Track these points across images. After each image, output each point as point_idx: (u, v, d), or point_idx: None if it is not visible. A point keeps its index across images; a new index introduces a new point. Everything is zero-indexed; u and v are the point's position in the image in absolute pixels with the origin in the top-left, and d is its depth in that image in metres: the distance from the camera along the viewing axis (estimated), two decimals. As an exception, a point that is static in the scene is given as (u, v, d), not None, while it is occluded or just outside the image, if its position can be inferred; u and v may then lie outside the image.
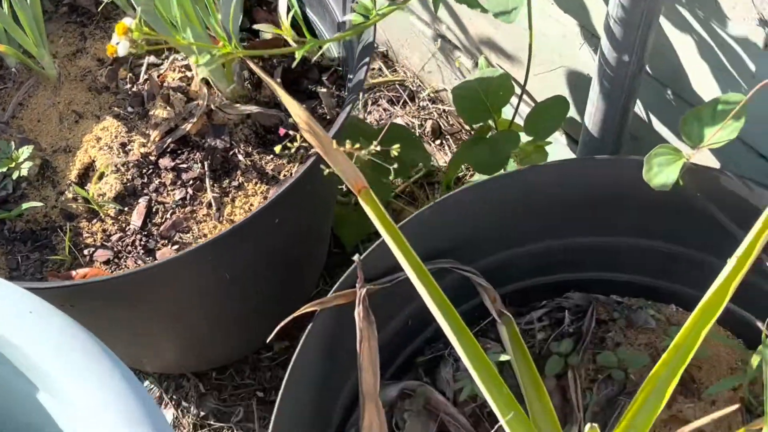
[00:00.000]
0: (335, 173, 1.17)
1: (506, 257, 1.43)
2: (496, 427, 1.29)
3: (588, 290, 1.51)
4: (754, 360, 1.34)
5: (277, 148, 1.14)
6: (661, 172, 1.27)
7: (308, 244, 1.67)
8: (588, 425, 1.15)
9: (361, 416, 1.22)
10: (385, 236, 1.22)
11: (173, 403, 1.88)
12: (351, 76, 1.47)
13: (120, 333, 1.52)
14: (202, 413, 1.87)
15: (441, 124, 2.23)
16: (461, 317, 1.21)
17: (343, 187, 1.19)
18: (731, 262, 1.20)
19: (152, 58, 1.70)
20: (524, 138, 1.71)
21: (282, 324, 1.19)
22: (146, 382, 1.91)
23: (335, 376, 1.28)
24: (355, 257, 1.23)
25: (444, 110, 2.26)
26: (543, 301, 1.51)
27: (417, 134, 2.18)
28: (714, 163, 1.49)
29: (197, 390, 1.89)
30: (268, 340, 1.20)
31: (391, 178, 1.75)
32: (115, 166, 1.55)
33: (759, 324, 1.33)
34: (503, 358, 1.32)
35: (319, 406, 1.27)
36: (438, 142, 2.21)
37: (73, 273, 1.44)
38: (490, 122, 1.76)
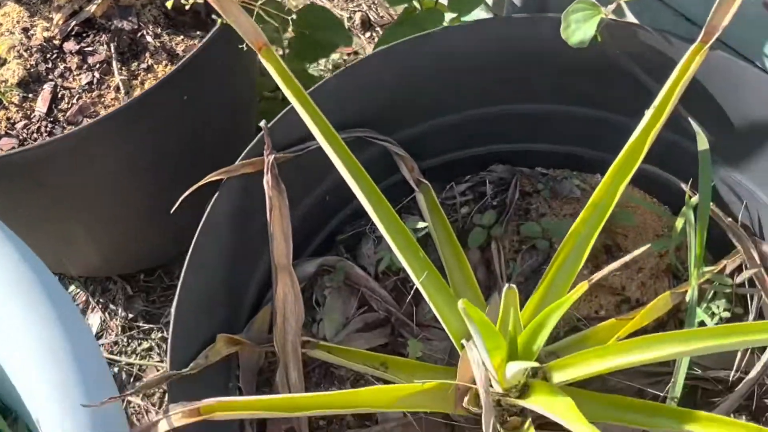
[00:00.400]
0: (238, 32, 1.12)
1: (426, 129, 1.38)
2: (412, 291, 1.26)
3: (513, 163, 1.47)
4: (678, 223, 1.32)
5: (169, 3, 1.07)
6: (579, 29, 1.23)
7: (229, 125, 1.60)
8: (506, 286, 1.13)
9: (274, 288, 1.18)
10: (292, 99, 1.17)
11: (100, 306, 1.84)
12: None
13: (32, 222, 1.46)
14: (131, 315, 1.82)
15: (370, 16, 2.17)
16: (383, 194, 1.18)
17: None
18: (648, 114, 1.17)
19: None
20: (449, 17, 1.66)
21: (187, 193, 1.14)
22: (71, 287, 1.86)
23: (248, 252, 1.24)
24: (262, 123, 1.18)
25: (373, 2, 2.19)
26: (467, 176, 1.47)
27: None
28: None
29: (125, 293, 1.85)
30: (171, 211, 1.15)
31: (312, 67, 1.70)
32: (18, 51, 1.47)
33: (682, 185, 1.31)
34: (420, 225, 1.28)
35: (232, 283, 1.22)
36: (368, 34, 2.14)
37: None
38: (415, 3, 1.70)
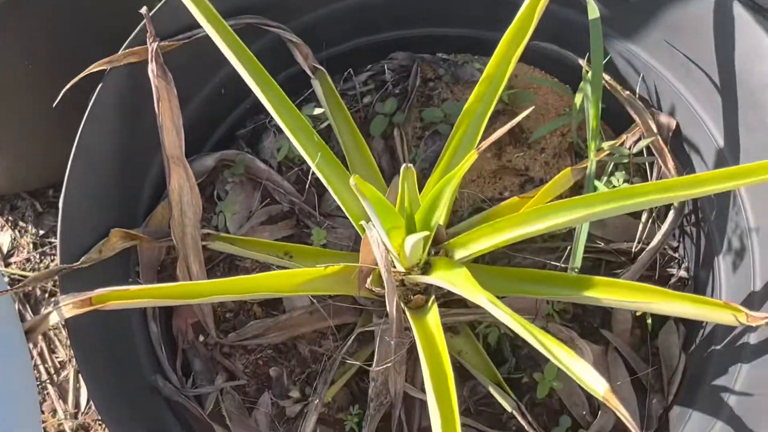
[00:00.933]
0: None
1: (324, 14, 1.35)
2: (310, 178, 1.25)
3: (413, 50, 1.45)
4: (577, 99, 1.32)
5: None
6: None
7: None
8: (404, 166, 1.12)
9: (168, 180, 1.16)
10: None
11: (10, 224, 1.79)
12: None
13: None
14: (42, 232, 1.78)
15: None
16: (281, 87, 1.16)
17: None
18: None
19: None
20: None
21: (70, 84, 1.11)
22: (-24, 208, 1.82)
23: (141, 146, 1.21)
24: (143, 10, 1.14)
25: None
26: (368, 65, 1.45)
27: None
28: None
29: (34, 209, 1.80)
30: (54, 104, 1.11)
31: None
32: None
33: (579, 60, 1.31)
34: (317, 111, 1.26)
35: (126, 178, 1.20)
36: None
37: None
38: None
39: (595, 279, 1.12)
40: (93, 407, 1.56)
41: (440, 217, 1.10)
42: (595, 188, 1.26)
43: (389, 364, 1.16)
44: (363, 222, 1.13)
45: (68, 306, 0.98)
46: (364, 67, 1.44)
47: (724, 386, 1.13)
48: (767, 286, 1.14)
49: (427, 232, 1.02)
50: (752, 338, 1.12)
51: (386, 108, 1.37)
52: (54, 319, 0.99)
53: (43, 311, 1.00)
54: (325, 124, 1.35)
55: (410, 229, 1.11)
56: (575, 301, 1.18)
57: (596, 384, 0.87)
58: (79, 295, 0.99)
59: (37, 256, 1.75)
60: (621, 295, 1.10)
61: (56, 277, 1.05)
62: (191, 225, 1.17)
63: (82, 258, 1.06)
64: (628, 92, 1.31)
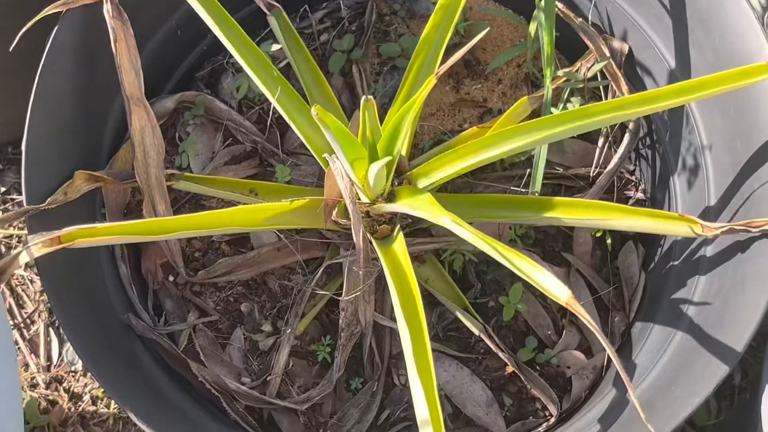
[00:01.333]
0: None
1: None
2: (271, 116, 1.26)
3: (368, -14, 1.46)
4: (532, 28, 1.33)
5: None
6: None
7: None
8: (363, 98, 1.13)
9: (129, 121, 1.16)
10: None
11: (-32, 182, 1.78)
12: None
13: None
14: (3, 189, 1.77)
15: None
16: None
17: None
18: None
19: None
20: None
21: (25, 28, 1.10)
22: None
23: (101, 89, 1.21)
24: (95, -50, 1.13)
25: None
26: (323, 3, 1.45)
27: None
28: None
29: (-8, 167, 1.79)
30: (9, 51, 1.10)
31: None
32: None
33: (532, -11, 1.32)
34: (275, 47, 1.27)
35: (88, 120, 1.20)
36: None
37: None
38: None
39: (555, 200, 1.15)
40: (65, 359, 1.57)
41: (402, 146, 1.12)
42: (549, 112, 1.29)
43: (358, 293, 1.18)
44: (326, 155, 1.14)
45: (37, 245, 0.99)
46: (320, 4, 1.45)
47: (683, 299, 1.16)
48: (722, 200, 1.17)
49: (389, 158, 1.04)
50: (708, 251, 1.16)
51: (344, 45, 1.38)
52: (24, 258, 0.99)
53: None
54: (284, 63, 1.36)
55: (373, 160, 1.12)
56: (537, 223, 1.21)
57: (559, 291, 0.90)
58: (48, 234, 1.00)
59: (1, 213, 1.75)
60: (580, 213, 1.13)
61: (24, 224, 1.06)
62: (155, 165, 1.17)
63: (48, 199, 1.07)
64: (580, 19, 1.33)
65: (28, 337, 1.63)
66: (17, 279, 1.70)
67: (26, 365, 1.61)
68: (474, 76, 1.42)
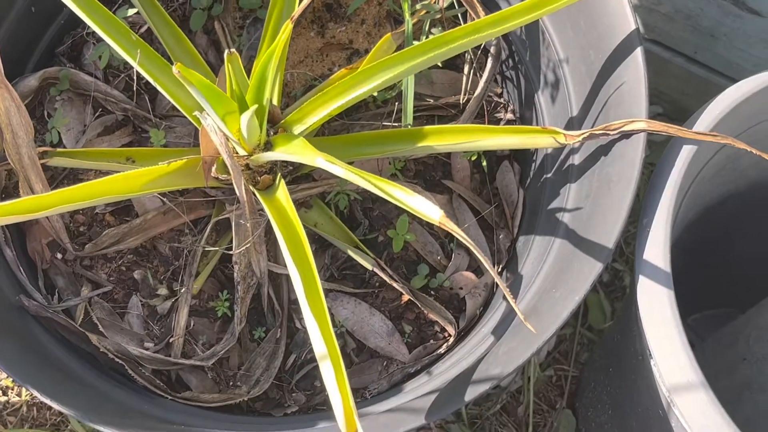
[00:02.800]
0: None
1: None
2: (136, 80, 1.26)
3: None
4: (386, -35, 1.36)
5: None
6: None
7: None
8: (226, 51, 1.14)
9: (-8, 104, 1.15)
10: None
11: None
12: None
13: None
14: None
15: None
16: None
17: None
18: None
19: None
20: None
21: None
22: None
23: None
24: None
25: None
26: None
27: None
28: None
29: None
30: None
31: None
32: None
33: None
34: (131, 12, 1.26)
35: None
36: None
37: None
38: None
39: (425, 129, 1.19)
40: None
41: (272, 94, 1.14)
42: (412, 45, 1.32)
43: (248, 246, 1.20)
44: (197, 113, 1.15)
45: None
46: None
47: (558, 207, 1.22)
48: (582, 109, 1.23)
49: (256, 105, 1.05)
50: (576, 159, 1.22)
51: (202, 2, 1.38)
52: None
53: None
54: (144, 28, 1.35)
55: (243, 110, 1.14)
56: (412, 154, 1.25)
57: (431, 212, 0.94)
58: None
59: None
60: (450, 138, 1.17)
61: None
62: (25, 145, 1.16)
63: None
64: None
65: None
66: None
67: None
68: (337, 19, 1.44)
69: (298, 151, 1.10)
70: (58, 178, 1.28)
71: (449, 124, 1.32)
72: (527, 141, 1.15)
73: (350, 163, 1.29)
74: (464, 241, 0.93)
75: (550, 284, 1.13)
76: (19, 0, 1.27)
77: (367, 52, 1.43)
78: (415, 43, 1.30)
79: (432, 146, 1.18)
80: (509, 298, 0.93)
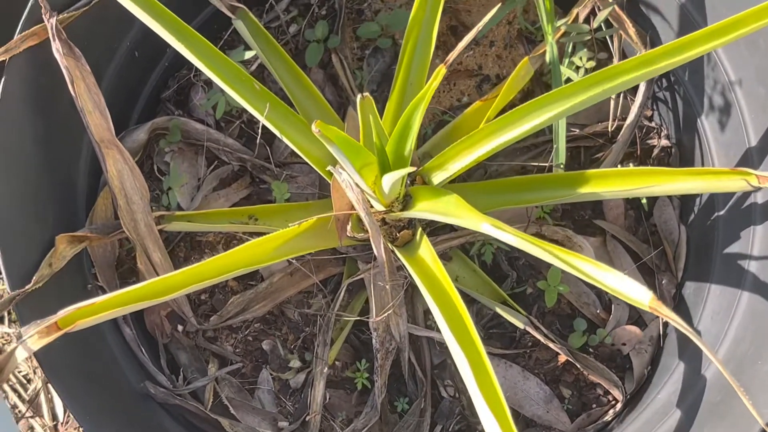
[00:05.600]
0: None
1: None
2: (260, 130, 1.13)
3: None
4: (520, -20, 1.21)
5: None
6: None
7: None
8: (359, 96, 1.01)
9: (104, 167, 1.03)
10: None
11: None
12: None
13: None
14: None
15: None
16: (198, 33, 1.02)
17: None
18: None
19: None
20: None
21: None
22: None
23: (64, 136, 1.07)
24: (29, -17, 0.99)
25: None
26: (286, -10, 1.31)
27: None
28: None
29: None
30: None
31: None
32: None
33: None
34: (248, 54, 1.13)
35: (54, 174, 1.06)
36: None
37: None
38: None
39: (587, 174, 1.04)
40: (71, 416, 1.45)
41: (412, 143, 1.00)
42: (560, 74, 1.17)
43: (390, 311, 1.07)
44: (330, 167, 1.02)
45: (33, 337, 0.86)
46: (281, -7, 1.31)
47: (740, 253, 1.07)
48: (763, 138, 1.07)
49: (410, 169, 0.91)
50: (759, 197, 1.06)
51: (317, 33, 1.24)
52: (21, 355, 0.87)
53: (7, 348, 0.87)
54: (256, 64, 1.22)
55: (383, 163, 1.00)
56: (572, 201, 1.10)
57: (640, 295, 0.79)
58: (43, 321, 0.87)
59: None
60: (618, 184, 1.02)
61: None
62: (141, 211, 1.05)
63: (33, 278, 0.94)
64: (571, -38, 1.21)
65: (26, 398, 1.51)
66: (3, 338, 1.57)
67: (31, 429, 1.49)
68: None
69: (453, 212, 0.96)
70: (173, 240, 1.16)
71: (605, 162, 1.17)
72: (711, 185, 0.99)
73: (496, 212, 1.16)
74: (683, 330, 0.78)
75: (750, 351, 0.98)
76: (122, 46, 1.14)
77: (498, 77, 1.29)
78: (562, 68, 1.15)
79: (597, 193, 1.03)
80: (719, 366, 0.78)
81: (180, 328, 1.13)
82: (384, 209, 1.06)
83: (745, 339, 1.00)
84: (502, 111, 1.22)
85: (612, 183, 1.02)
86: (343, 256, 1.15)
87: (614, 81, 0.96)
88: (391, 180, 0.96)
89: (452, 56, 0.91)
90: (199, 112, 1.22)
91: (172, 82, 1.24)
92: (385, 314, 1.07)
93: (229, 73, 1.03)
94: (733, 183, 0.98)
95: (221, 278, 0.97)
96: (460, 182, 1.18)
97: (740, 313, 1.03)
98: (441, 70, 0.92)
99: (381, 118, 1.11)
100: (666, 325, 1.18)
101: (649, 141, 1.25)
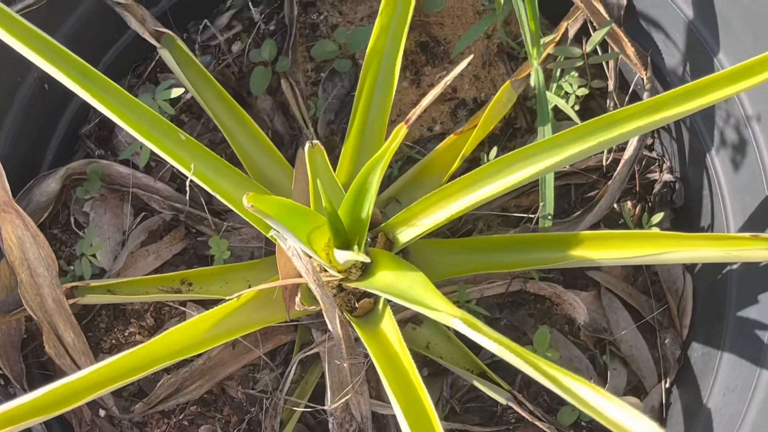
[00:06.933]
0: None
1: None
2: (188, 184, 0.96)
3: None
4: (501, -9, 1.03)
5: None
6: None
7: None
8: (307, 144, 0.84)
9: (0, 236, 0.86)
10: None
11: None
12: None
13: None
14: None
15: None
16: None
17: None
18: None
19: None
20: None
21: None
22: None
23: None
24: None
25: None
26: (227, 2, 1.13)
27: None
28: None
29: None
30: None
31: None
32: None
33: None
34: (175, 92, 0.95)
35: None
36: None
37: None
38: None
39: (580, 235, 0.88)
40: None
41: (369, 206, 0.83)
42: (547, 104, 1.00)
43: (348, 396, 0.90)
44: (273, 232, 0.85)
45: None
46: (222, 4, 1.12)
47: (758, 321, 0.91)
48: (787, 185, 0.90)
49: (363, 257, 0.74)
50: (781, 256, 0.89)
51: (264, 54, 1.06)
52: None
53: None
54: (189, 95, 1.04)
55: (336, 227, 0.83)
56: (563, 267, 0.94)
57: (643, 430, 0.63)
58: None
59: None
60: (619, 248, 0.87)
61: None
62: (48, 285, 0.87)
63: None
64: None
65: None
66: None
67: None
68: (435, 60, 1.12)
69: (417, 296, 0.79)
70: (92, 311, 0.99)
71: (615, 231, 0.99)
72: (731, 255, 0.82)
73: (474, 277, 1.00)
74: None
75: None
76: (27, 80, 0.96)
77: (475, 102, 1.11)
78: (549, 95, 0.98)
79: (593, 260, 0.86)
80: None
81: (102, 413, 0.96)
82: (339, 276, 0.89)
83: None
84: (481, 144, 1.06)
85: (611, 247, 0.87)
86: (295, 323, 0.98)
87: (612, 131, 0.80)
88: (343, 258, 0.79)
89: (414, 114, 0.73)
90: (125, 151, 1.04)
91: (93, 115, 1.06)
92: (343, 400, 0.90)
93: (148, 122, 0.85)
94: (756, 253, 0.81)
95: (146, 373, 0.81)
96: (429, 236, 1.01)
97: (761, 396, 0.87)
98: (401, 130, 0.75)
99: (336, 163, 0.94)
100: (669, 391, 1.02)
101: (649, 175, 1.08)
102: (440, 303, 0.76)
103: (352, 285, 0.89)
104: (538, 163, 0.82)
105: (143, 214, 1.02)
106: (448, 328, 1.01)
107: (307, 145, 0.84)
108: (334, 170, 0.91)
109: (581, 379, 0.66)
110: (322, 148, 0.85)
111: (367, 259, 0.75)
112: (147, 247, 1.01)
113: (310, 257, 0.85)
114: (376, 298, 0.93)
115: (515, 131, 1.09)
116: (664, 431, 0.62)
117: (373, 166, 0.78)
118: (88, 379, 0.77)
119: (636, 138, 1.03)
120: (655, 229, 1.01)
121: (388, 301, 0.92)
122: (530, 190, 1.06)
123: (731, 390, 0.92)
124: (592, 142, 0.80)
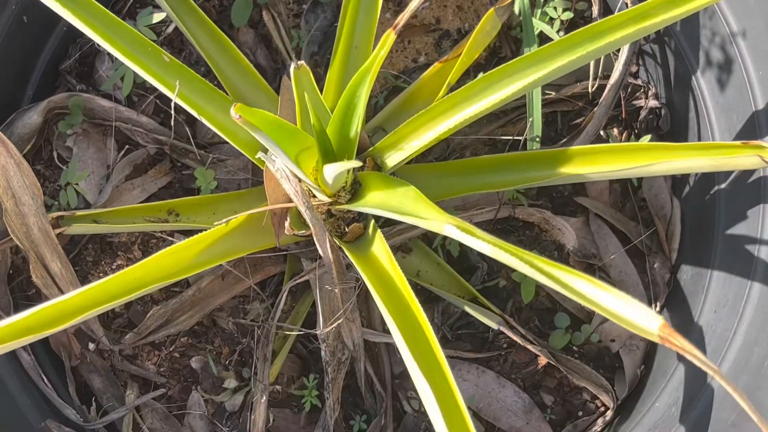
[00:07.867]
0: None
1: None
2: (172, 102, 0.95)
3: None
4: None
5: None
6: None
7: None
8: (293, 65, 0.83)
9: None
10: None
11: None
12: None
13: None
14: None
15: None
16: None
17: None
18: None
19: None
20: None
21: None
22: None
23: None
24: None
25: None
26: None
27: None
28: None
29: None
30: None
31: None
32: None
33: None
34: (157, 17, 0.94)
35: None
36: None
37: None
38: None
39: (569, 151, 0.88)
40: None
41: (359, 123, 0.82)
42: (532, 28, 0.99)
43: (340, 320, 0.90)
44: (261, 154, 0.84)
45: None
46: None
47: (748, 236, 0.91)
48: (773, 100, 0.90)
49: (354, 163, 0.74)
50: (768, 170, 0.90)
51: (248, -14, 1.05)
52: None
53: None
54: (171, 27, 1.03)
55: (324, 148, 0.83)
56: (553, 184, 0.93)
57: (647, 323, 0.63)
58: None
59: None
60: (608, 162, 0.86)
61: None
62: (33, 214, 0.86)
63: None
64: None
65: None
66: None
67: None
68: (417, -8, 1.10)
69: (410, 209, 0.79)
70: (80, 243, 0.98)
71: (604, 144, 0.99)
72: (720, 163, 0.82)
73: (462, 197, 0.99)
74: (705, 368, 0.61)
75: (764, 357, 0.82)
76: (6, 10, 0.94)
77: (459, 32, 1.11)
78: (534, 21, 0.97)
79: (583, 175, 0.86)
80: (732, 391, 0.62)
81: (91, 346, 0.95)
82: (329, 200, 0.89)
83: (760, 342, 0.84)
84: (466, 73, 1.05)
85: (600, 161, 0.86)
86: (284, 252, 0.98)
87: (598, 41, 0.80)
88: (333, 173, 0.79)
89: (402, 18, 0.73)
90: (107, 85, 1.02)
91: (74, 50, 1.04)
92: (335, 324, 0.90)
93: (131, 43, 0.84)
94: (746, 160, 0.81)
95: (134, 296, 0.80)
96: (418, 162, 1.01)
97: (751, 309, 0.88)
98: (389, 36, 0.74)
99: (322, 91, 0.93)
100: (660, 314, 1.02)
101: (634, 102, 1.08)
102: (433, 213, 0.75)
103: (343, 207, 0.88)
104: (527, 77, 0.82)
105: (127, 147, 1.01)
106: (437, 254, 1.01)
107: (293, 66, 0.83)
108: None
109: (578, 273, 0.66)
110: (308, 68, 0.84)
111: (359, 164, 0.74)
112: (132, 180, 1.00)
113: (300, 180, 0.84)
114: (366, 223, 0.93)
115: (500, 60, 1.09)
116: (660, 317, 0.62)
117: (361, 78, 0.77)
118: (76, 301, 0.76)
119: (622, 62, 1.02)
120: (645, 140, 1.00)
121: (378, 226, 0.92)
122: (517, 118, 1.06)
123: (722, 306, 0.93)
124: (580, 52, 0.80)
